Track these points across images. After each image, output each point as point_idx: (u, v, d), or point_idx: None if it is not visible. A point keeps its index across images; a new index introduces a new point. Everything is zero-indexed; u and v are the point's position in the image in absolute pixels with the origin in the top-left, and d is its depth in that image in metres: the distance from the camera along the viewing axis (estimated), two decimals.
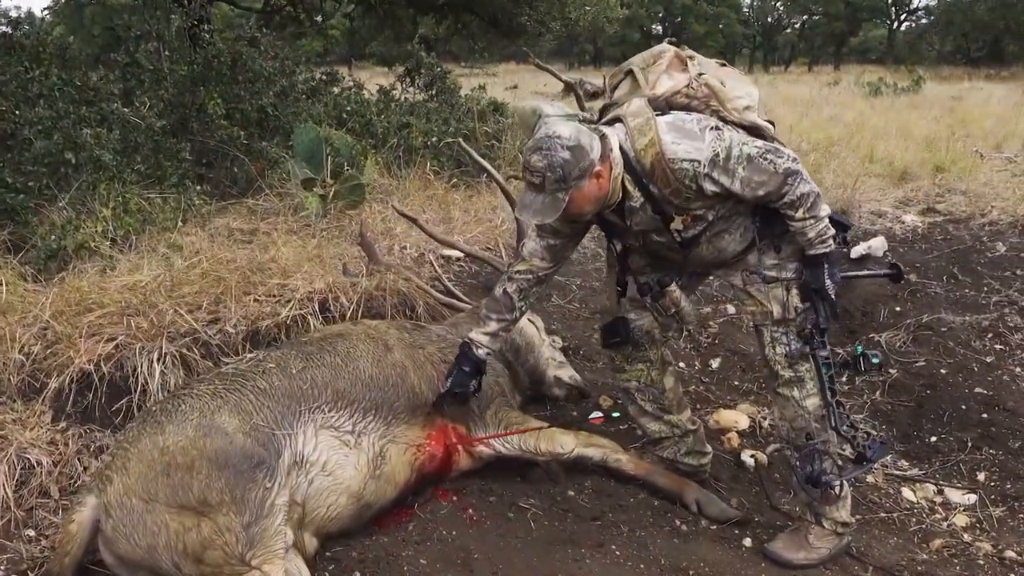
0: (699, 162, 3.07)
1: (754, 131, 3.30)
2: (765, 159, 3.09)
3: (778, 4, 60.61)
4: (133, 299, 4.29)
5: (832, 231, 3.21)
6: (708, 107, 3.30)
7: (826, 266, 3.22)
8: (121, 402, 3.93)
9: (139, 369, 3.96)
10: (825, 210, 3.20)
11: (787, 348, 3.37)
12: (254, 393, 3.25)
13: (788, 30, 62.78)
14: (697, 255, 3.42)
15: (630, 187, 3.21)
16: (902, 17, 54.09)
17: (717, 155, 3.08)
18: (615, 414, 4.10)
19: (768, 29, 61.61)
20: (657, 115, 3.18)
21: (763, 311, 3.40)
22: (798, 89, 25.88)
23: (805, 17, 58.34)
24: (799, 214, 3.15)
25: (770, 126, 3.39)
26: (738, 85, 3.37)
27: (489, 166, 4.46)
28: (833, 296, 3.25)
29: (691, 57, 3.39)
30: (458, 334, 4.16)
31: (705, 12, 53.61)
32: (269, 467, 3.09)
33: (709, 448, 3.99)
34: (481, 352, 3.62)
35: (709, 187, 3.12)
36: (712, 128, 3.14)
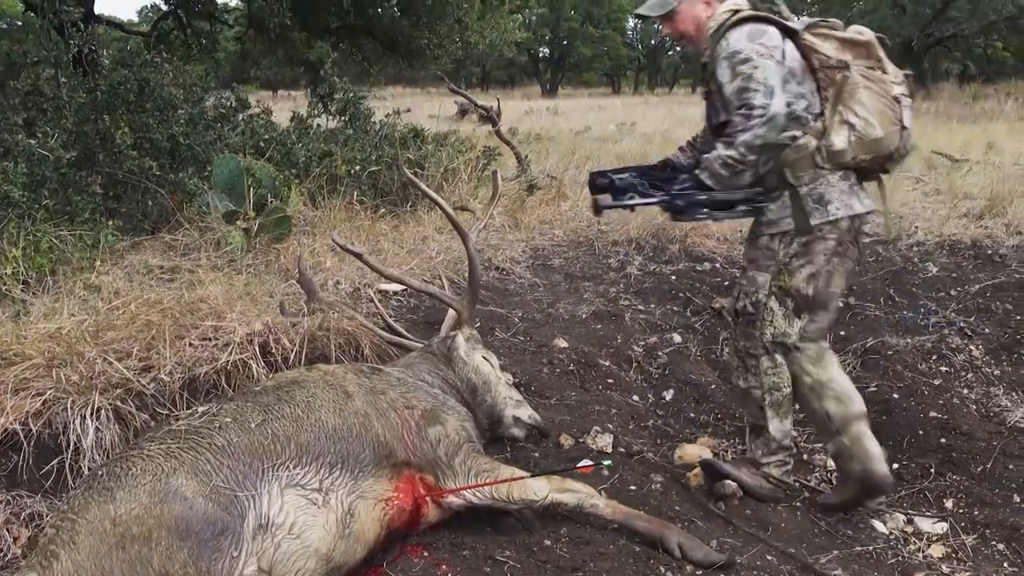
0: (728, 45, 3.52)
1: None
2: (744, 62, 3.45)
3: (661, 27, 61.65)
4: (57, 348, 3.94)
5: (712, 172, 3.57)
6: None
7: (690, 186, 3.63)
8: (52, 463, 3.59)
9: (70, 426, 3.62)
10: (737, 153, 3.48)
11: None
12: (211, 451, 3.00)
13: (671, 52, 63.99)
14: None
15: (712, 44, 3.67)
16: None
17: (737, 53, 3.48)
18: (606, 462, 3.94)
19: (652, 52, 62.73)
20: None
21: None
22: (690, 111, 26.23)
23: None
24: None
25: None
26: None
27: (437, 197, 4.26)
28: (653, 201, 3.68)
29: None
30: (416, 376, 3.96)
31: (591, 35, 54.35)
32: (234, 533, 2.84)
33: None
34: None
35: (720, 72, 3.56)
36: (765, 49, 3.47)
